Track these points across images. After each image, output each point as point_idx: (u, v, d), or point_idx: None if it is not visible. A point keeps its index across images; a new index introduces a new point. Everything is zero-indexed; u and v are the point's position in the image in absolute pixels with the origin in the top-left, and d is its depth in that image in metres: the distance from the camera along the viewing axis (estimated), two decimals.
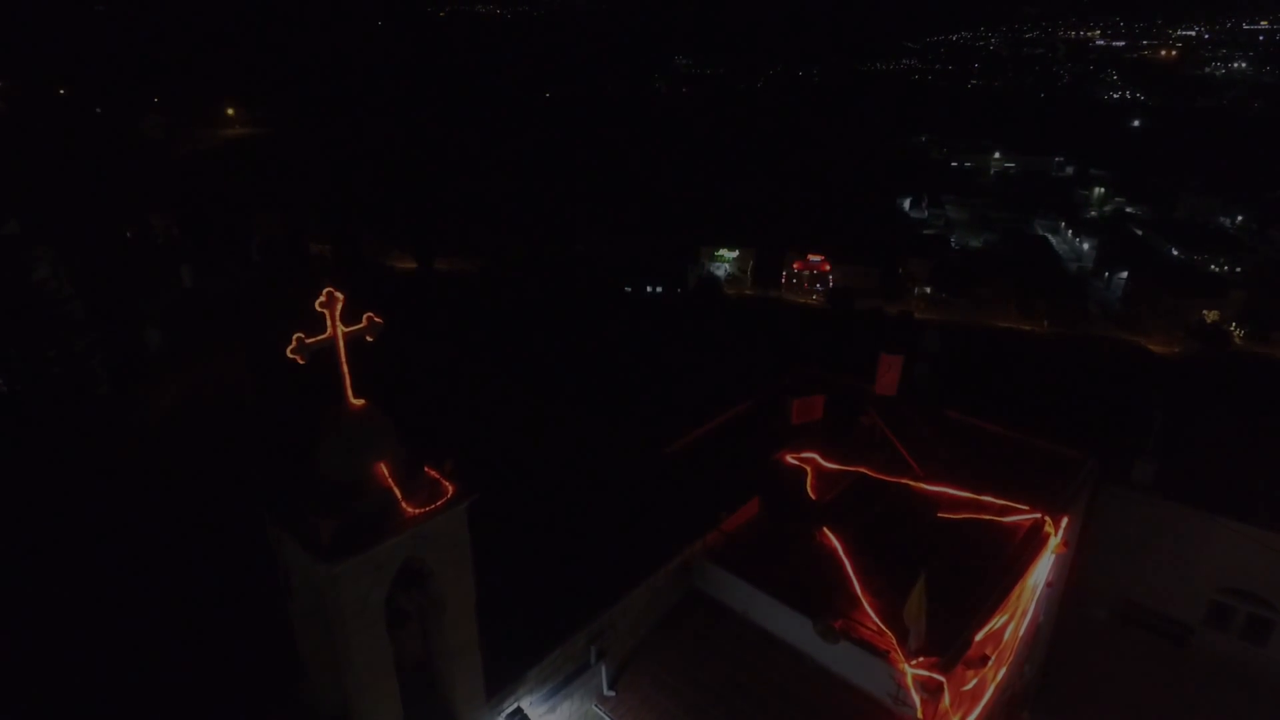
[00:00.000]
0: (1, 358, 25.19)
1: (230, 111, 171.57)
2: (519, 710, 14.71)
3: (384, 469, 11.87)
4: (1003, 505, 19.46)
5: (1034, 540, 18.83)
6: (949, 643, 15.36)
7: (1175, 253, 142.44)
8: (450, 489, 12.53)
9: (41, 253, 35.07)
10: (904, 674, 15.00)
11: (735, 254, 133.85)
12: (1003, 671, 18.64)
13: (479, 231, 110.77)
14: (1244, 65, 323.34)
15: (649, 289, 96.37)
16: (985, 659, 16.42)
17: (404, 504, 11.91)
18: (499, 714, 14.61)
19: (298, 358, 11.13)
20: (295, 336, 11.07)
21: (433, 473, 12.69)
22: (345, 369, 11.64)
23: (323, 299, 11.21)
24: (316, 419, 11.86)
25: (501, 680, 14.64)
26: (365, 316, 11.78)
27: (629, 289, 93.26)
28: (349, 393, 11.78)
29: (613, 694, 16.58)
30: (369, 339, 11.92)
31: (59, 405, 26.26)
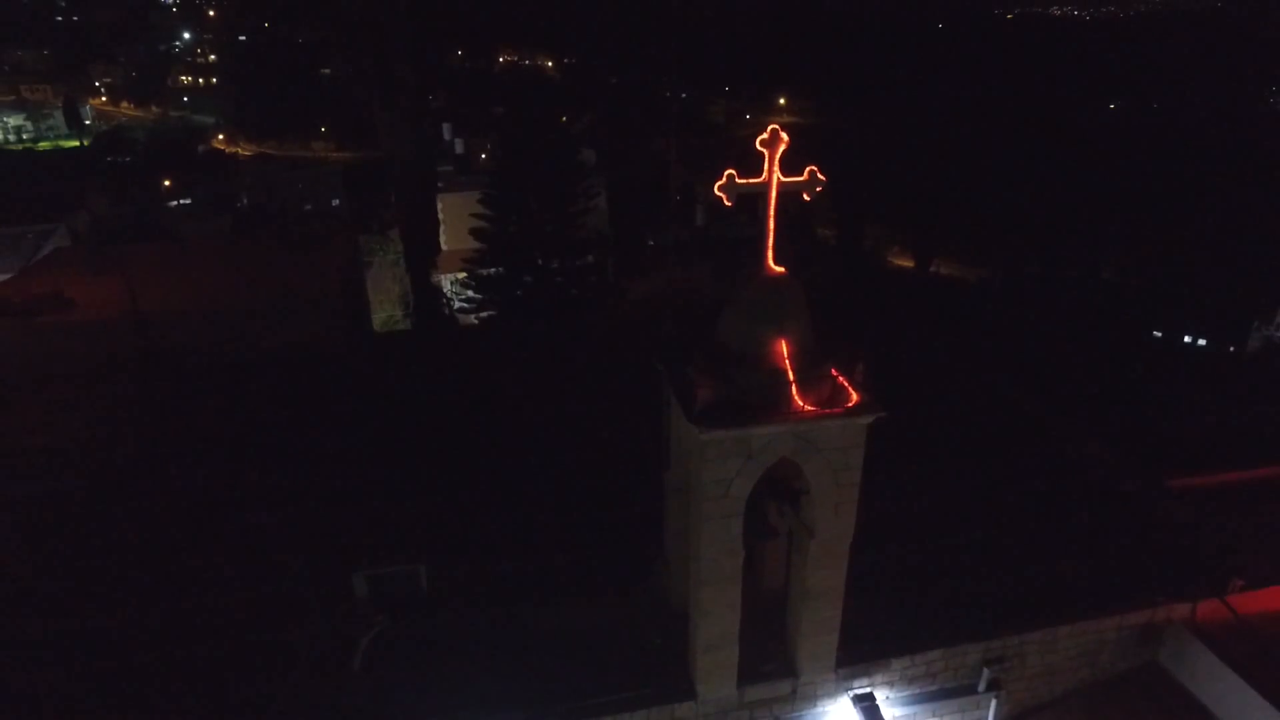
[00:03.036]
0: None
1: (782, 101, 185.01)
2: (871, 696, 12.15)
3: (783, 347, 10.30)
4: None
5: None
6: None
7: None
8: (855, 397, 10.47)
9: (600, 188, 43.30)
10: None
11: None
12: None
13: (991, 241, 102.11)
14: None
15: (1188, 339, 78.08)
16: None
17: (796, 392, 10.21)
18: (846, 690, 12.25)
19: (724, 196, 10.09)
20: (726, 173, 10.02)
21: (840, 378, 10.74)
22: (772, 224, 10.27)
23: (765, 136, 9.93)
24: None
25: (859, 655, 12.24)
26: (808, 170, 10.23)
27: (1159, 334, 76.45)
28: (770, 253, 10.40)
29: None
30: (806, 197, 10.37)
31: (580, 280, 30.32)
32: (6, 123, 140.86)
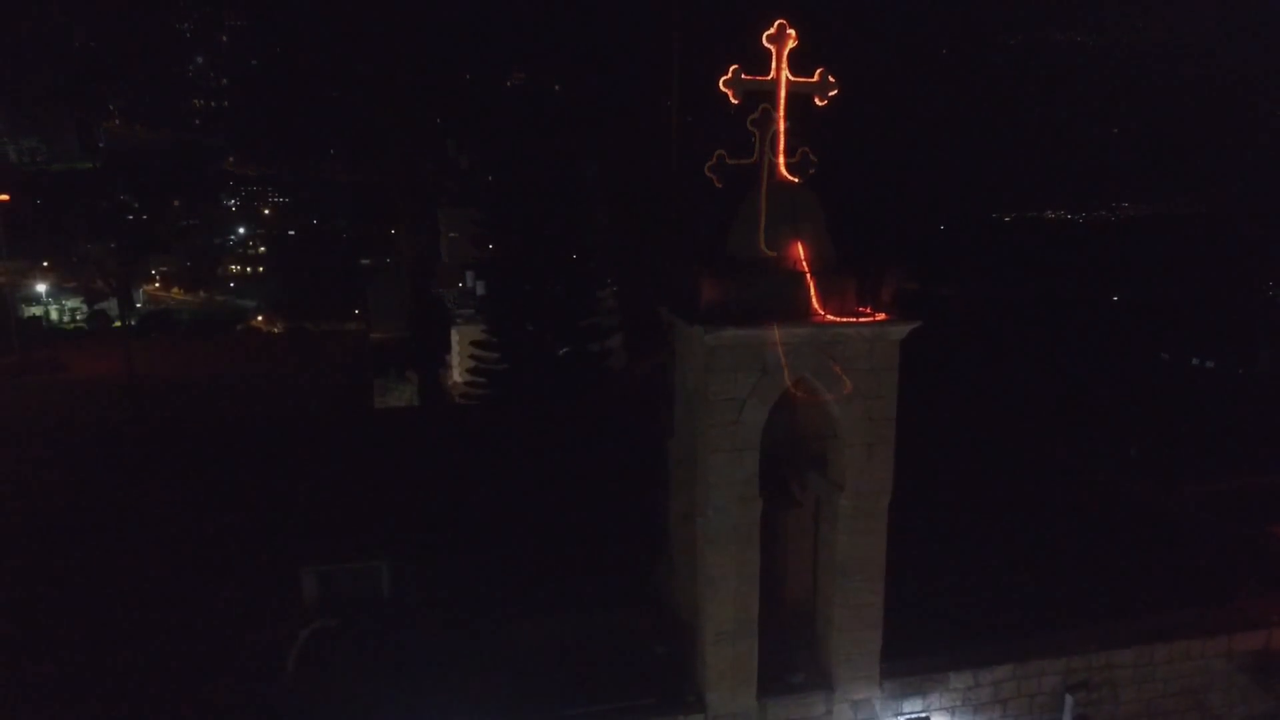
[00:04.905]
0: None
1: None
2: None
3: (799, 249, 9.19)
4: None
5: None
6: None
7: None
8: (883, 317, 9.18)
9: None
10: None
11: None
12: None
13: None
14: None
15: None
16: None
17: (815, 294, 8.97)
18: (894, 715, 9.81)
19: (730, 93, 9.41)
20: (732, 68, 9.42)
21: (865, 310, 9.50)
22: (782, 125, 9.49)
23: (773, 31, 9.43)
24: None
25: (909, 667, 9.93)
26: (819, 71, 9.62)
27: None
28: (781, 158, 9.54)
29: None
30: (820, 101, 9.67)
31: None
32: (63, 305, 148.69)
